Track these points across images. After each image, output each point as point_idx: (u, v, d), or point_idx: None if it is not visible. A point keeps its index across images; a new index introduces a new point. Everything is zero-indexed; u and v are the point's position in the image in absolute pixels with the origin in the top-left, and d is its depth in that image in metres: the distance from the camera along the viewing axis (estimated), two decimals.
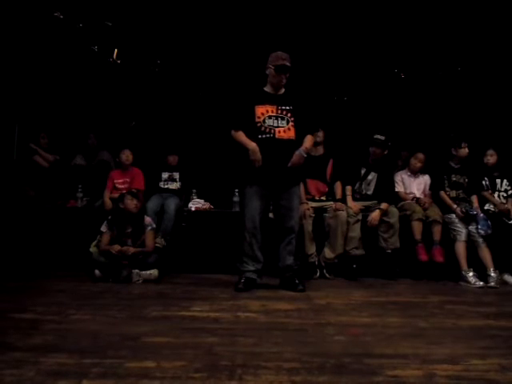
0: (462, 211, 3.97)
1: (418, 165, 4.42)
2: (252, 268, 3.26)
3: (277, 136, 3.20)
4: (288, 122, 3.24)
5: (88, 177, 4.87)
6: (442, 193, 4.19)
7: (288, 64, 3.23)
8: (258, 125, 3.22)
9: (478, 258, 3.85)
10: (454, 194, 4.19)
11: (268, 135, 3.20)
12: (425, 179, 4.45)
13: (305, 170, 3.46)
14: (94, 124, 5.43)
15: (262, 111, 3.23)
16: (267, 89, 3.35)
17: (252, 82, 3.43)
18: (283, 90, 3.35)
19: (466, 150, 4.19)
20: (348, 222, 4.00)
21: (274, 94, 3.31)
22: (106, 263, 3.56)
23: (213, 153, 5.61)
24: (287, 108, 3.26)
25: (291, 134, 3.24)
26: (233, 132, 3.30)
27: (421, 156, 4.42)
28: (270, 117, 3.22)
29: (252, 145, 3.17)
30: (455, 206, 4.05)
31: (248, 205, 3.24)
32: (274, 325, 2.22)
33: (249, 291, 3.14)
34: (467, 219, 3.94)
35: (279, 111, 3.24)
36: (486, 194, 4.24)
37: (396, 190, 4.38)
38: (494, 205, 4.17)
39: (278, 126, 3.22)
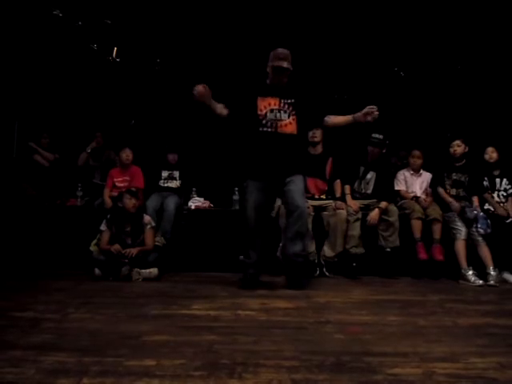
0: (461, 206, 3.97)
1: (418, 162, 4.41)
2: (252, 263, 3.26)
3: (279, 130, 3.19)
4: (289, 116, 3.22)
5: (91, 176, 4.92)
6: (440, 189, 4.19)
7: (285, 66, 3.19)
8: (260, 117, 3.20)
9: (478, 257, 3.84)
10: (454, 192, 4.18)
11: (270, 129, 3.19)
12: (427, 177, 4.44)
13: (305, 165, 3.45)
14: (94, 123, 5.43)
15: (265, 104, 3.21)
16: (269, 81, 3.31)
17: (255, 74, 3.40)
18: (286, 81, 3.29)
19: (458, 148, 4.17)
20: (348, 220, 3.99)
21: (276, 86, 3.26)
22: (106, 262, 3.56)
23: (213, 151, 5.61)
24: (289, 101, 3.23)
25: (293, 129, 3.22)
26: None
27: (417, 153, 4.41)
28: (272, 110, 3.20)
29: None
30: (451, 199, 4.05)
31: (248, 200, 3.23)
32: (273, 323, 2.22)
33: (250, 289, 3.14)
34: (466, 222, 3.93)
35: (282, 104, 3.22)
36: (488, 196, 4.23)
37: (397, 188, 4.38)
38: (494, 208, 4.17)
39: (279, 120, 3.20)
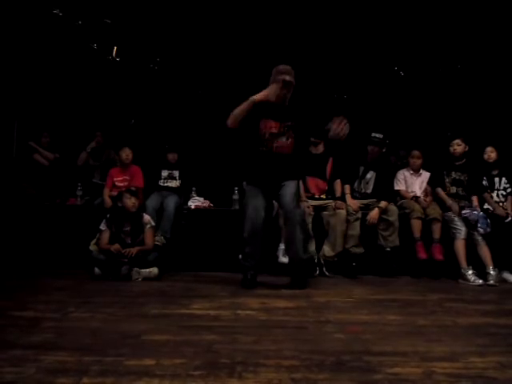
0: (460, 207, 3.97)
1: (417, 162, 4.42)
2: (251, 265, 3.29)
3: (274, 150, 3.27)
4: (288, 139, 3.29)
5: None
6: (439, 189, 4.19)
7: (288, 79, 3.20)
8: (261, 138, 3.28)
9: (478, 256, 3.85)
10: (453, 190, 4.18)
11: (266, 148, 3.28)
12: (426, 177, 4.44)
13: (302, 167, 3.49)
14: (94, 122, 5.43)
15: (266, 125, 3.27)
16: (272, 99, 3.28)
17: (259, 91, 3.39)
18: (289, 96, 3.31)
19: (458, 147, 4.16)
20: (347, 220, 4.00)
21: (278, 107, 3.27)
22: (106, 261, 3.56)
23: (212, 151, 5.61)
24: (289, 124, 3.28)
25: (289, 149, 3.31)
26: (228, 120, 3.23)
27: (416, 153, 4.42)
28: (271, 134, 3.27)
29: (250, 99, 3.16)
30: (450, 202, 4.04)
31: (248, 204, 3.27)
32: (273, 322, 2.22)
33: (250, 289, 3.15)
34: (468, 225, 3.92)
35: (281, 128, 3.27)
36: (487, 196, 4.23)
37: (397, 188, 4.38)
38: (493, 208, 4.17)
39: (277, 142, 3.27)
